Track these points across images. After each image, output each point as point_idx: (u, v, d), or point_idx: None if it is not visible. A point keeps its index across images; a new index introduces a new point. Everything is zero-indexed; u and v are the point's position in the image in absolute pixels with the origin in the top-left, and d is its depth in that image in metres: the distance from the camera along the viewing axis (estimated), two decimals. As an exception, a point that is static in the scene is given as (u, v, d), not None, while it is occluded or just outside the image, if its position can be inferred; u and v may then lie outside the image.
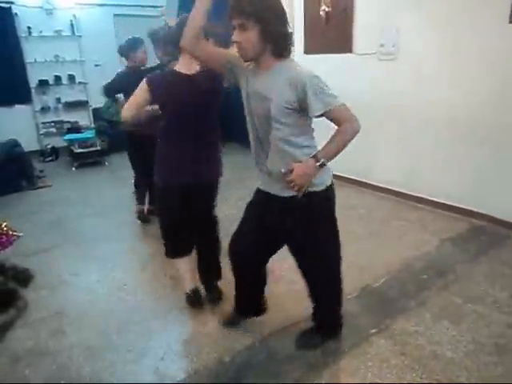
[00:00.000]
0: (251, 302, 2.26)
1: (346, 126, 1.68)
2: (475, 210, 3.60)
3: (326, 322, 2.20)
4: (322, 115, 1.65)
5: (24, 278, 1.61)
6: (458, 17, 3.42)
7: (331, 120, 1.69)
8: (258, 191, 1.95)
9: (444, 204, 3.82)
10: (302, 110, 1.66)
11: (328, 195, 1.85)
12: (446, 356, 2.06)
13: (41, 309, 2.58)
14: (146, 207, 3.92)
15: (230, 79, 1.85)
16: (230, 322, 2.32)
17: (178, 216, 2.29)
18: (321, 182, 1.79)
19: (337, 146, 1.67)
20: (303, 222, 1.81)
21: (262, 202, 1.92)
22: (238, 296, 2.25)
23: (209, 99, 2.15)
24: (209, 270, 2.54)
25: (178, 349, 2.22)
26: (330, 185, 1.86)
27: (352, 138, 1.69)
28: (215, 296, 2.54)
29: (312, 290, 2.12)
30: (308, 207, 1.78)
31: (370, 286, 2.71)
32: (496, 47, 3.23)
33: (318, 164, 1.66)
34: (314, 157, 1.69)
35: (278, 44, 1.64)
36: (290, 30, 1.68)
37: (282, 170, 1.69)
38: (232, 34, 1.63)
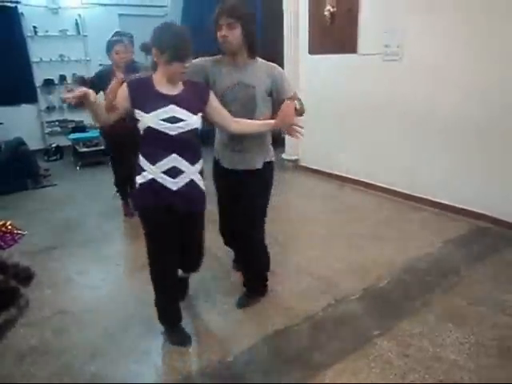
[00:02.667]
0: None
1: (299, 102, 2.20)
2: (479, 211, 3.59)
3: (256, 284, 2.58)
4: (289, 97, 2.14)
5: (25, 276, 1.61)
6: (464, 18, 3.41)
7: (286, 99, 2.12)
8: (225, 171, 2.34)
9: (447, 205, 3.81)
10: (273, 93, 2.20)
11: (270, 167, 2.38)
12: (450, 358, 2.06)
13: (45, 307, 2.59)
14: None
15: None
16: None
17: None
18: (267, 158, 2.33)
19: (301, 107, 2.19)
20: (262, 182, 2.35)
21: (231, 179, 2.34)
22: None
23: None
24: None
25: (181, 348, 2.22)
26: (273, 160, 2.39)
27: (303, 113, 2.24)
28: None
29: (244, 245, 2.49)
30: (267, 172, 2.35)
31: (373, 287, 2.71)
32: (502, 48, 3.22)
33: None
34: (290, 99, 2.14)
35: (252, 44, 2.13)
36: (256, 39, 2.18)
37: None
38: (219, 31, 2.06)
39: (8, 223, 1.89)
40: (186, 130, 1.90)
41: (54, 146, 6.51)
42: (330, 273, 2.88)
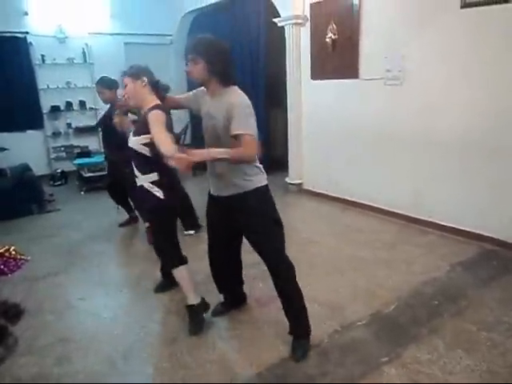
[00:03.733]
0: (234, 293, 2.72)
1: (245, 150, 2.00)
2: (486, 234, 3.55)
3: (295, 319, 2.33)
4: (235, 136, 2.00)
5: (14, 314, 1.59)
6: (461, 42, 3.47)
7: (240, 142, 2.00)
8: (211, 197, 2.37)
9: (453, 228, 3.77)
10: (227, 126, 2.05)
11: (257, 194, 2.21)
12: (461, 386, 2.00)
13: (47, 334, 2.56)
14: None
15: (196, 111, 2.35)
16: (219, 311, 2.69)
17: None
18: (250, 185, 2.19)
19: (228, 154, 1.97)
20: (246, 213, 2.23)
21: (216, 205, 2.34)
22: (222, 288, 2.68)
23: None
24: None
25: (185, 377, 2.17)
26: (260, 186, 2.22)
27: (240, 161, 2.06)
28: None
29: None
30: (245, 201, 2.20)
31: (380, 312, 2.66)
32: (500, 73, 3.26)
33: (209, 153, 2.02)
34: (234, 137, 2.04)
35: (220, 77, 2.11)
36: (230, 70, 2.15)
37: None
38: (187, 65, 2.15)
39: (12, 248, 1.89)
40: (133, 150, 2.45)
41: (59, 171, 6.58)
42: (335, 298, 2.84)
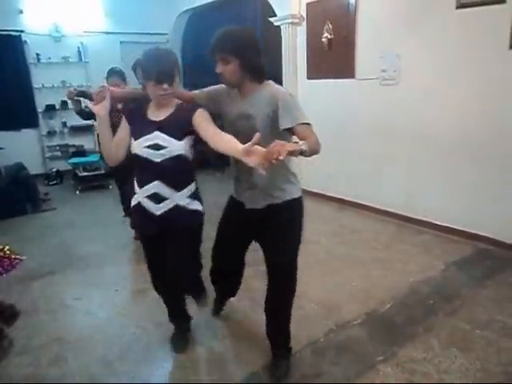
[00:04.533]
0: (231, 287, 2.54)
1: (316, 139, 1.78)
2: (480, 233, 3.57)
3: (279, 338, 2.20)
4: (289, 129, 1.81)
5: (9, 315, 1.57)
6: (456, 43, 3.48)
7: (297, 135, 1.80)
8: (240, 210, 2.08)
9: (448, 227, 3.79)
10: (274, 122, 1.85)
11: (295, 205, 2.03)
12: (455, 385, 2.01)
13: (41, 334, 2.55)
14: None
15: (214, 111, 2.03)
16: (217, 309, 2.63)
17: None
18: (287, 195, 2.00)
19: (306, 145, 1.65)
20: (276, 226, 2.03)
21: (243, 220, 2.09)
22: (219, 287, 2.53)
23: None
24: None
25: (181, 376, 2.17)
26: (298, 197, 2.03)
27: (314, 152, 1.75)
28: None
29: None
30: (280, 214, 2.00)
31: (375, 311, 2.67)
32: (496, 72, 3.28)
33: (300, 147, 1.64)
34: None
35: (255, 73, 1.91)
36: (263, 62, 1.94)
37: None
38: (216, 66, 1.89)
39: (6, 248, 1.88)
40: (169, 156, 1.87)
41: (54, 170, 6.55)
42: (330, 297, 2.84)
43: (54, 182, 6.47)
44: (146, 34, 6.98)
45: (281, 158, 1.46)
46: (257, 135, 1.51)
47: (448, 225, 3.80)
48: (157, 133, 1.88)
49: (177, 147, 1.88)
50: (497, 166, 3.39)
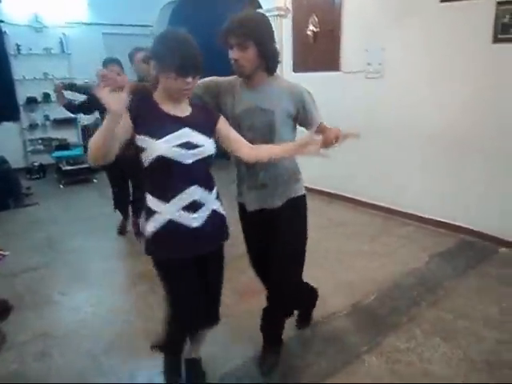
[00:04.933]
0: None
1: None
2: (463, 225, 3.64)
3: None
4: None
5: (2, 309, 1.54)
6: (441, 36, 3.52)
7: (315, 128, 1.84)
8: (248, 213, 1.98)
9: (432, 220, 3.86)
10: (296, 118, 1.86)
11: (304, 202, 2.04)
12: (438, 373, 2.06)
13: (26, 330, 2.52)
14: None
15: (208, 103, 1.88)
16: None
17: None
18: (299, 190, 1.99)
19: None
20: (290, 221, 1.97)
21: (256, 222, 1.98)
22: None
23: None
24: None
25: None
26: (304, 193, 2.03)
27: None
28: None
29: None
30: (293, 209, 1.96)
31: (360, 302, 2.71)
32: (479, 66, 3.32)
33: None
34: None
35: (272, 61, 1.80)
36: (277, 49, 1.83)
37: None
38: (230, 53, 1.74)
39: (-11, 244, 1.85)
40: (201, 157, 1.58)
41: (36, 164, 6.43)
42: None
43: (37, 176, 6.36)
44: (130, 26, 6.88)
45: (337, 144, 1.55)
46: (316, 124, 1.69)
47: (432, 217, 3.86)
48: (186, 130, 1.56)
49: (210, 147, 1.62)
50: (481, 160, 3.45)
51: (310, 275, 3.06)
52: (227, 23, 1.72)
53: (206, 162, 1.61)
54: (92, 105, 3.50)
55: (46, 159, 6.46)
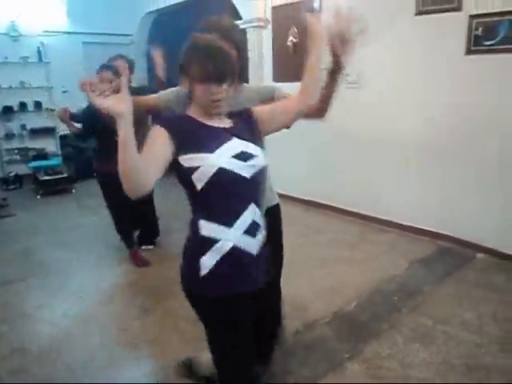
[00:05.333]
0: None
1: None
2: (441, 232, 3.71)
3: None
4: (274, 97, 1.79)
5: None
6: (416, 48, 3.61)
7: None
8: None
9: (411, 227, 3.92)
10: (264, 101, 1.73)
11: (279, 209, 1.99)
12: (419, 378, 2.08)
13: (1, 346, 2.44)
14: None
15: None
16: None
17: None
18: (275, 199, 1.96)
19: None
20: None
21: None
22: None
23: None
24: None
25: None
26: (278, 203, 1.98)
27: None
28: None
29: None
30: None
31: (341, 310, 2.72)
32: (454, 77, 3.42)
33: None
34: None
35: (242, 69, 1.79)
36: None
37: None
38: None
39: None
40: (258, 169, 1.37)
41: (12, 174, 6.29)
42: (297, 298, 2.86)
43: (13, 186, 6.21)
44: (110, 35, 6.85)
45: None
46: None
47: (412, 224, 3.92)
48: (236, 140, 1.37)
49: (263, 156, 1.41)
50: (458, 167, 3.53)
51: (290, 283, 3.07)
52: (210, 24, 1.73)
53: (263, 174, 1.42)
54: (86, 130, 3.21)
55: (23, 169, 6.32)
